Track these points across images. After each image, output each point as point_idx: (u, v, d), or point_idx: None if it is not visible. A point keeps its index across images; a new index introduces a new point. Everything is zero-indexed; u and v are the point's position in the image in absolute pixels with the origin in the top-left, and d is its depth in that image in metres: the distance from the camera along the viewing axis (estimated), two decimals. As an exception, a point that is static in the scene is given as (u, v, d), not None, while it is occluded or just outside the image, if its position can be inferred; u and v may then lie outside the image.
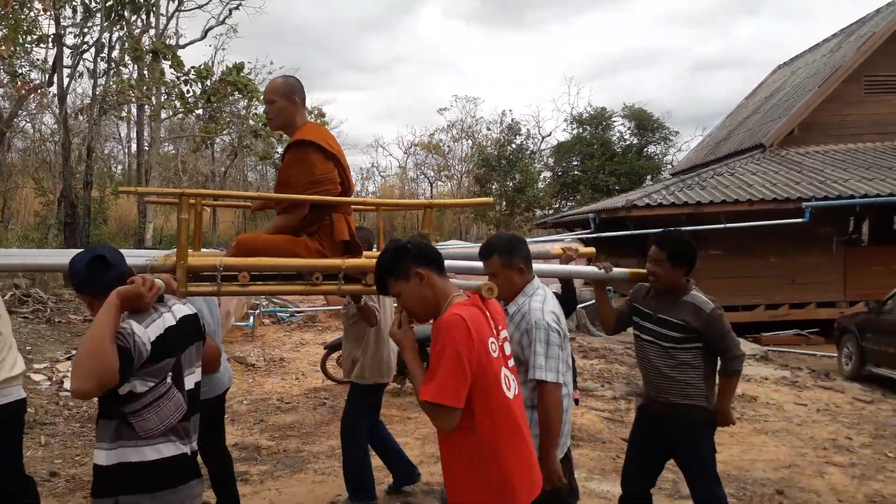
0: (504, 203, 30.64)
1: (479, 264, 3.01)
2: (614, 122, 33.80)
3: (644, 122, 33.17)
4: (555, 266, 3.46)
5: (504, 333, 2.37)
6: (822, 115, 15.73)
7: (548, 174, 35.04)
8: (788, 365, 10.50)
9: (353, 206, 3.40)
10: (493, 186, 31.21)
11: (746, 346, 11.27)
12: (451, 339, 2.10)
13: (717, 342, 3.27)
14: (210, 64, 19.98)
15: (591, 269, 3.44)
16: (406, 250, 2.27)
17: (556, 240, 15.97)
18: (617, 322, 3.59)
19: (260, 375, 8.90)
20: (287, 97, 3.16)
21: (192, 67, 17.81)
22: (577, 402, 4.46)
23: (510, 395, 2.25)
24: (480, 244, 3.10)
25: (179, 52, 18.28)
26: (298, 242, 3.04)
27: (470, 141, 38.55)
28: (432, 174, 41.05)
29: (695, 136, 35.70)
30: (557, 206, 33.68)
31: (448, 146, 39.10)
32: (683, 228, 13.69)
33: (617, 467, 5.42)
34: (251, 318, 12.09)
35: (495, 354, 2.22)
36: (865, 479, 5.20)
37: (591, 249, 4.31)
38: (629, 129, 34.05)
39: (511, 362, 2.38)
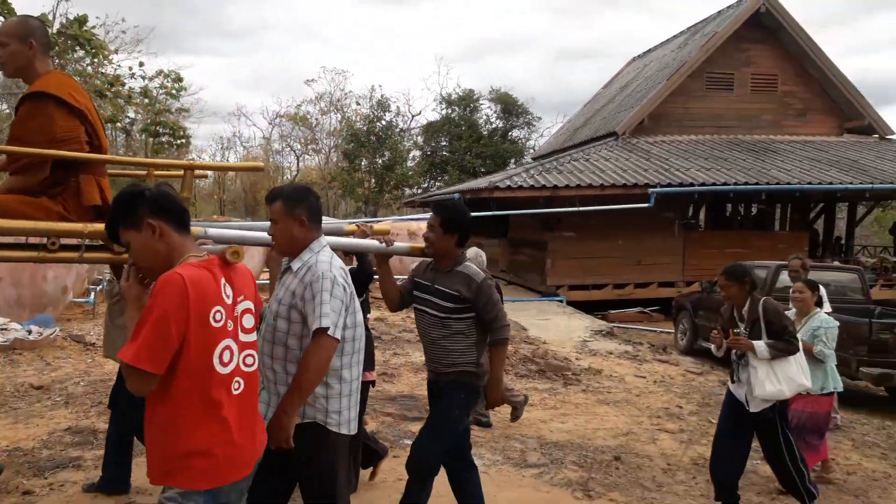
0: (373, 180, 30.42)
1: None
2: (482, 104, 34.47)
3: (509, 107, 34.06)
4: (338, 239, 3.36)
5: (246, 304, 2.22)
6: (670, 108, 16.86)
7: (417, 153, 35.18)
8: (631, 340, 11.23)
9: (109, 166, 3.15)
10: (363, 163, 30.88)
11: (594, 323, 11.95)
12: (162, 300, 1.95)
13: (484, 312, 3.36)
14: (52, 14, 18.12)
15: (374, 242, 3.40)
16: (142, 198, 2.08)
17: (422, 219, 16.09)
18: (400, 298, 3.56)
19: (100, 355, 8.26)
20: (22, 39, 2.83)
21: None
22: (373, 384, 4.44)
23: (226, 370, 2.08)
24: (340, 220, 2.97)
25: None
26: (36, 204, 2.74)
27: (338, 115, 37.83)
28: (299, 147, 39.94)
29: (556, 123, 37.15)
30: (426, 185, 33.91)
31: (316, 119, 38.14)
32: (541, 210, 14.27)
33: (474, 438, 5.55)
34: (92, 294, 11.20)
35: (218, 324, 2.05)
36: (691, 444, 5.65)
37: (387, 227, 4.32)
38: (495, 112, 34.86)
39: (249, 336, 2.22)
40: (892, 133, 17.94)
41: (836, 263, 13.25)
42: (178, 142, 25.29)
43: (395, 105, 34.05)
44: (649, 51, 22.91)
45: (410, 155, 34.37)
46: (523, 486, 4.61)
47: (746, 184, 13.59)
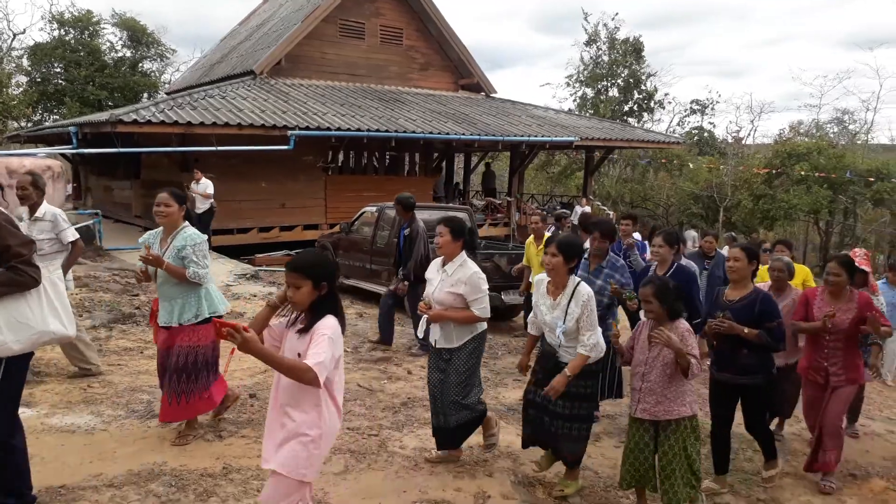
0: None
1: None
2: (103, 29, 30.49)
3: (137, 35, 30.78)
4: None
5: None
6: (306, 50, 17.01)
7: (23, 79, 29.77)
8: (276, 282, 11.34)
9: None
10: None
11: (238, 267, 11.75)
12: None
13: None
14: None
15: None
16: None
17: (30, 154, 13.77)
18: None
19: None
20: None
21: None
22: None
23: None
24: None
25: None
26: None
27: None
28: None
29: (193, 57, 34.76)
30: (39, 118, 29.13)
31: None
32: (175, 149, 13.35)
33: (88, 397, 5.05)
34: None
35: None
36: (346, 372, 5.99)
37: None
38: (121, 39, 31.22)
39: None
40: (496, 92, 20.84)
41: (453, 205, 15.07)
42: None
43: (-13, 19, 28.13)
44: (287, -11, 22.60)
45: (13, 81, 28.90)
46: (148, 436, 4.39)
47: (378, 131, 14.51)
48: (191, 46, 51.24)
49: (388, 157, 19.67)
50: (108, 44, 31.06)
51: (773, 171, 25.72)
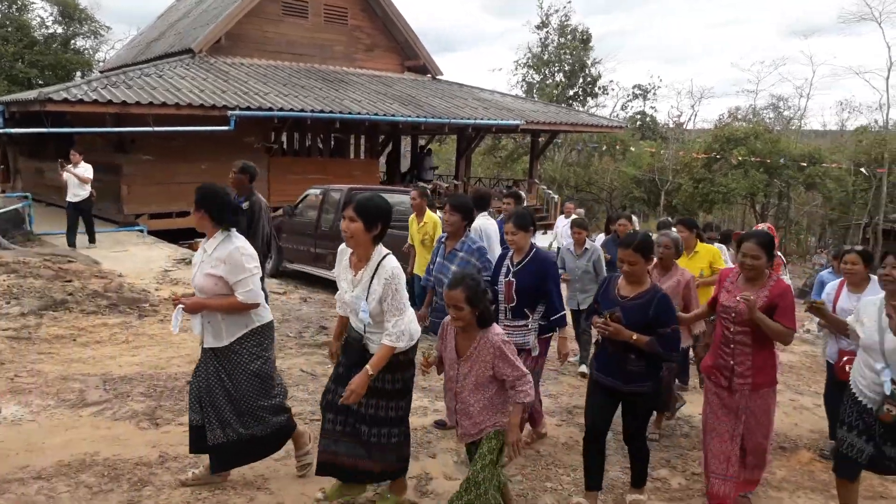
0: None
1: None
2: (32, 3, 29.06)
3: (69, 10, 29.43)
4: None
5: None
6: (247, 29, 16.54)
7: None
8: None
9: None
10: None
11: (177, 252, 11.43)
12: None
13: None
14: None
15: None
16: None
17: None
18: None
19: None
20: None
21: None
22: None
23: None
24: None
25: None
26: None
27: None
28: None
29: (130, 35, 33.44)
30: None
31: None
32: (110, 130, 12.86)
33: (14, 387, 4.85)
34: None
35: None
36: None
37: None
38: (52, 15, 29.82)
39: None
40: (442, 74, 20.73)
41: (401, 187, 14.96)
42: None
43: None
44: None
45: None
46: (79, 426, 4.24)
47: (322, 112, 14.26)
48: (126, 23, 49.35)
49: (333, 138, 19.39)
50: (38, 19, 29.69)
51: (713, 156, 26.44)
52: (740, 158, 25.14)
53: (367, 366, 3.17)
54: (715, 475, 3.84)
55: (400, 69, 19.86)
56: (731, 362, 3.81)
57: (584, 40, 33.11)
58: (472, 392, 3.21)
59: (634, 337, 3.55)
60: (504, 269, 4.35)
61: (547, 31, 33.95)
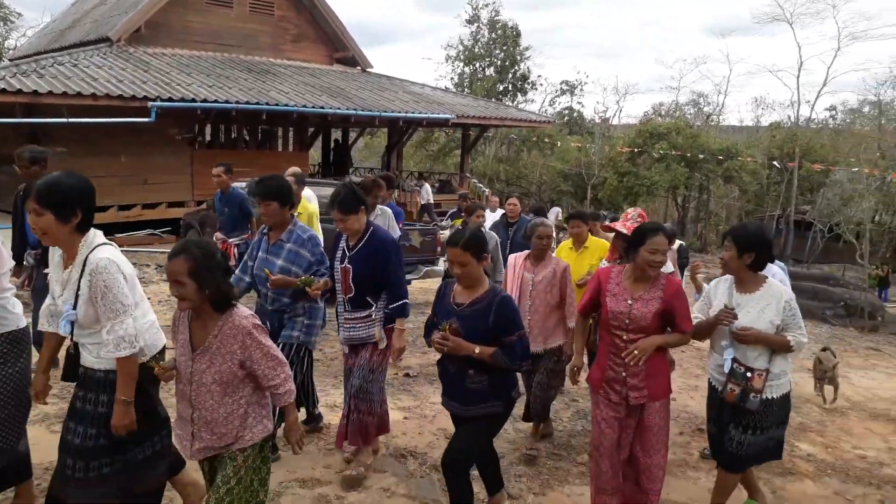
0: None
1: None
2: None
3: (-26, -7, 27.79)
4: None
5: None
6: (169, 18, 15.99)
7: None
8: (139, 263, 10.74)
9: None
10: None
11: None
12: None
13: None
14: None
15: None
16: None
17: None
18: None
19: None
20: None
21: None
22: None
23: None
24: None
25: None
26: None
27: None
28: None
29: (42, 22, 31.81)
30: None
31: None
32: (19, 121, 12.21)
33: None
34: None
35: None
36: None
37: None
38: (-47, -2, 28.05)
39: None
40: (372, 67, 20.60)
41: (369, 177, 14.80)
42: None
43: None
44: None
45: None
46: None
47: (248, 103, 13.95)
48: (39, 10, 46.82)
49: (260, 131, 19.01)
50: (-61, 2, 27.89)
51: (636, 150, 27.28)
52: (662, 152, 26.02)
53: (117, 393, 2.66)
54: (604, 492, 3.51)
55: (328, 61, 19.62)
56: (624, 374, 3.41)
57: (515, 35, 33.50)
58: (213, 393, 2.59)
59: (477, 350, 3.06)
60: (339, 254, 3.93)
61: (478, 26, 34.18)
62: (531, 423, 4.88)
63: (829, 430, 5.94)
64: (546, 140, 29.70)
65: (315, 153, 24.34)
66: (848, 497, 4.52)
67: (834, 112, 38.88)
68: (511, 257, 4.80)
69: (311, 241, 3.97)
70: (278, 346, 3.60)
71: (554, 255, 4.85)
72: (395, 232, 6.33)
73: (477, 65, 34.11)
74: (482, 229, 3.24)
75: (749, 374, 3.41)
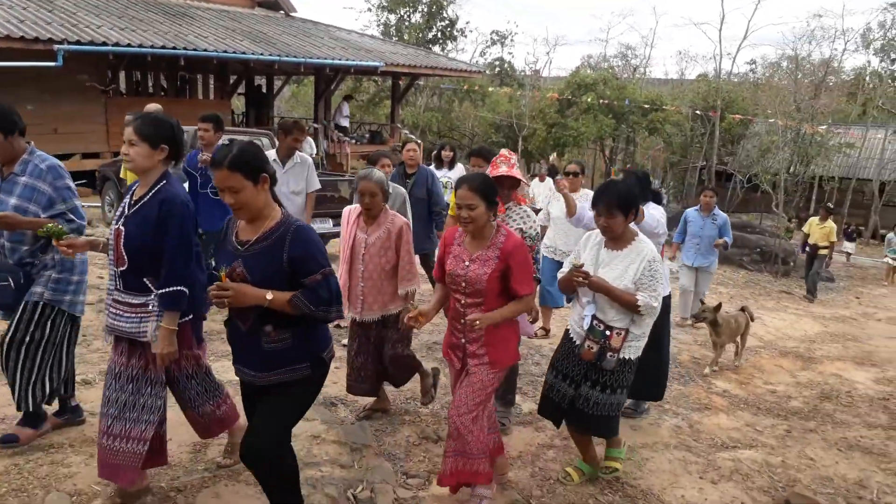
0: None
1: None
2: None
3: None
4: None
5: None
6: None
7: None
8: (49, 216, 10.16)
9: None
10: None
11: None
12: None
13: None
14: None
15: None
16: None
17: None
18: None
19: None
20: None
21: None
22: None
23: None
24: None
25: None
26: None
27: None
28: None
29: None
30: None
31: None
32: None
33: None
34: None
35: None
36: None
37: None
38: None
39: None
40: (296, 11, 19.83)
41: (255, 130, 14.30)
42: None
43: None
44: None
45: None
46: None
47: (164, 48, 13.21)
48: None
49: (178, 77, 18.10)
50: None
51: (562, 99, 27.48)
52: (589, 101, 26.29)
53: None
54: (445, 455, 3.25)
55: (250, 4, 18.76)
56: (463, 340, 3.17)
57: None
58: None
59: (269, 296, 2.40)
60: (119, 211, 2.82)
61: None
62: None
63: (743, 367, 6.26)
64: (477, 90, 29.51)
65: (239, 102, 23.42)
66: (758, 428, 4.79)
67: (754, 66, 40.08)
68: (345, 210, 4.12)
69: (52, 172, 3.18)
70: (21, 307, 3.15)
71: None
72: (314, 185, 5.67)
73: (402, 12, 33.29)
74: (245, 146, 2.29)
75: (608, 333, 3.28)
